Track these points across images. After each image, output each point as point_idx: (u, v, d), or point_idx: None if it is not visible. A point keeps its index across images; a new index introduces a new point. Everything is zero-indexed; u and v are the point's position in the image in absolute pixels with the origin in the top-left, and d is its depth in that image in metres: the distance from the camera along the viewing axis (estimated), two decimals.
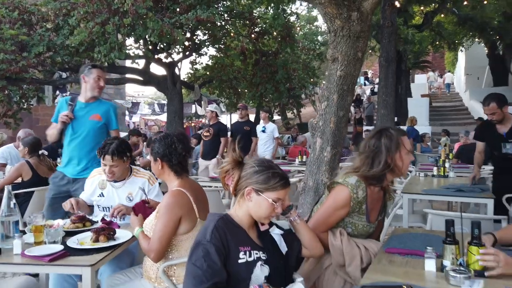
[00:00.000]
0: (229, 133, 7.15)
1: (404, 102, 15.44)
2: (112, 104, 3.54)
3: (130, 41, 8.55)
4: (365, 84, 29.26)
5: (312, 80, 14.12)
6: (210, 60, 11.90)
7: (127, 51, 7.79)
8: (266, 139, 7.12)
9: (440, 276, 1.55)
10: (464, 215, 2.71)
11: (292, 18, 13.53)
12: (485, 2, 8.89)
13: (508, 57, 17.25)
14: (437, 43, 15.86)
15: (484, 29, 12.02)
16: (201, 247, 1.45)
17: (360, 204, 1.90)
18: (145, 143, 7.29)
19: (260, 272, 1.48)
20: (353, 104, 15.09)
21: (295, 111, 13.80)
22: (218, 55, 11.63)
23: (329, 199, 1.93)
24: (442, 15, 12.26)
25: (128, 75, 10.19)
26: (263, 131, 7.13)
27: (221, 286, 1.40)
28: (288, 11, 11.78)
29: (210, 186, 4.54)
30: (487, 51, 19.18)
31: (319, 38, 19.59)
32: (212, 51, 13.69)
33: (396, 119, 14.22)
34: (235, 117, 29.23)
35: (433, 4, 10.55)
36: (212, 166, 6.33)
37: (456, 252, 1.60)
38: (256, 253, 1.52)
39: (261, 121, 7.45)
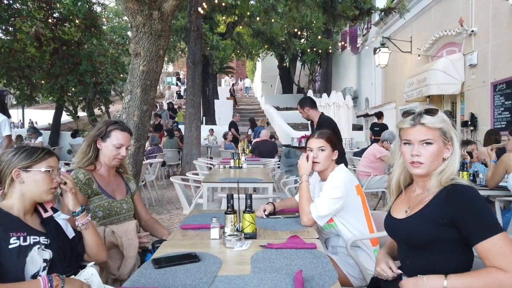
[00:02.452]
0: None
1: (212, 103, 16.61)
2: None
3: None
4: (177, 85, 29.99)
5: (122, 76, 13.60)
6: None
7: None
8: None
9: (221, 242, 1.86)
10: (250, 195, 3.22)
11: (98, 8, 12.72)
12: (273, 20, 10.58)
13: (292, 69, 20.80)
14: (238, 51, 17.70)
15: (272, 43, 14.25)
16: None
17: (88, 186, 2.09)
18: None
19: (38, 256, 1.49)
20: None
21: (103, 107, 12.99)
22: (5, 38, 9.88)
23: None
24: (241, 27, 13.83)
25: None
26: None
27: None
28: (93, 0, 11.03)
29: None
30: (277, 63, 22.64)
31: (129, 33, 18.99)
32: None
33: (204, 118, 15.19)
34: (29, 112, 25.05)
35: (234, 16, 11.82)
36: None
37: (234, 220, 1.93)
38: (35, 238, 1.53)
39: None
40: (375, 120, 10.50)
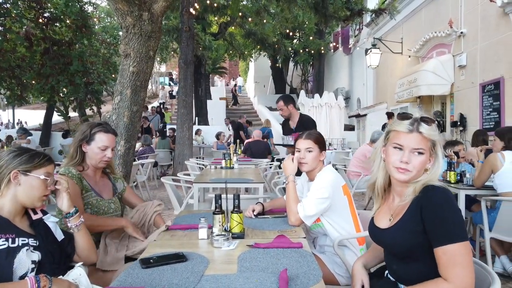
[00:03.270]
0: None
1: (204, 104, 16.59)
2: None
3: None
4: (169, 85, 29.88)
5: (114, 76, 13.53)
6: None
7: None
8: None
9: (209, 242, 1.87)
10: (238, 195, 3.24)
11: (90, 8, 12.65)
12: (265, 21, 10.62)
13: (285, 69, 20.84)
14: (231, 52, 17.69)
15: (264, 43, 14.29)
16: None
17: (80, 181, 2.13)
18: None
19: (26, 257, 1.50)
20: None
21: (94, 107, 12.91)
22: None
23: None
24: (234, 28, 13.84)
25: None
26: None
27: None
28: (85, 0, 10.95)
29: None
30: (270, 63, 22.68)
31: (121, 33, 18.87)
32: None
33: (196, 119, 15.17)
34: (20, 112, 24.80)
35: (226, 16, 11.83)
36: None
37: (222, 220, 1.95)
38: (23, 240, 1.54)
39: None
40: (386, 121, 10.14)
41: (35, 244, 1.57)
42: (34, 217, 1.64)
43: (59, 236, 1.70)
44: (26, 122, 23.26)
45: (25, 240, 1.54)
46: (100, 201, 2.20)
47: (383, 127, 9.69)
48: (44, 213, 1.69)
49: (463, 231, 1.32)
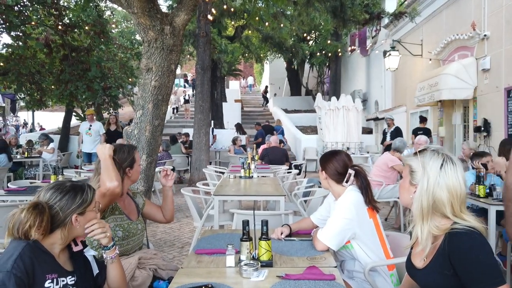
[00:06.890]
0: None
1: (220, 107, 16.58)
2: None
3: None
4: (184, 86, 30.03)
5: (130, 79, 13.65)
6: (5, 49, 10.09)
7: None
8: None
9: (237, 271, 1.82)
10: (258, 212, 3.19)
11: (108, 13, 12.78)
12: (282, 25, 10.55)
13: (301, 71, 20.68)
14: (247, 55, 17.66)
15: (281, 47, 14.23)
16: None
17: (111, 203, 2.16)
18: None
19: None
20: None
21: (112, 111, 13.05)
22: (15, 44, 9.97)
23: None
24: (250, 31, 13.79)
25: None
26: None
27: None
28: (102, 4, 11.06)
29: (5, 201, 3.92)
30: (285, 65, 22.56)
31: (138, 36, 19.05)
32: (7, 39, 11.58)
33: (212, 122, 15.17)
34: (39, 114, 25.24)
35: (242, 20, 11.78)
36: None
37: (250, 247, 1.90)
38: (63, 280, 1.52)
39: None
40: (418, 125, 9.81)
41: (73, 282, 1.56)
42: (75, 248, 1.63)
43: (95, 270, 1.69)
44: (42, 126, 23.63)
45: (64, 281, 1.54)
46: (130, 224, 2.26)
47: (415, 131, 9.17)
48: (84, 245, 1.67)
49: (497, 275, 1.28)
